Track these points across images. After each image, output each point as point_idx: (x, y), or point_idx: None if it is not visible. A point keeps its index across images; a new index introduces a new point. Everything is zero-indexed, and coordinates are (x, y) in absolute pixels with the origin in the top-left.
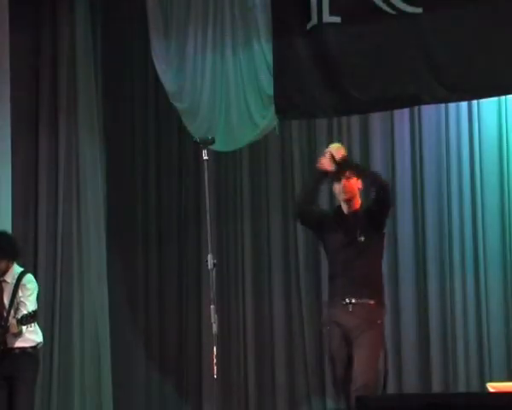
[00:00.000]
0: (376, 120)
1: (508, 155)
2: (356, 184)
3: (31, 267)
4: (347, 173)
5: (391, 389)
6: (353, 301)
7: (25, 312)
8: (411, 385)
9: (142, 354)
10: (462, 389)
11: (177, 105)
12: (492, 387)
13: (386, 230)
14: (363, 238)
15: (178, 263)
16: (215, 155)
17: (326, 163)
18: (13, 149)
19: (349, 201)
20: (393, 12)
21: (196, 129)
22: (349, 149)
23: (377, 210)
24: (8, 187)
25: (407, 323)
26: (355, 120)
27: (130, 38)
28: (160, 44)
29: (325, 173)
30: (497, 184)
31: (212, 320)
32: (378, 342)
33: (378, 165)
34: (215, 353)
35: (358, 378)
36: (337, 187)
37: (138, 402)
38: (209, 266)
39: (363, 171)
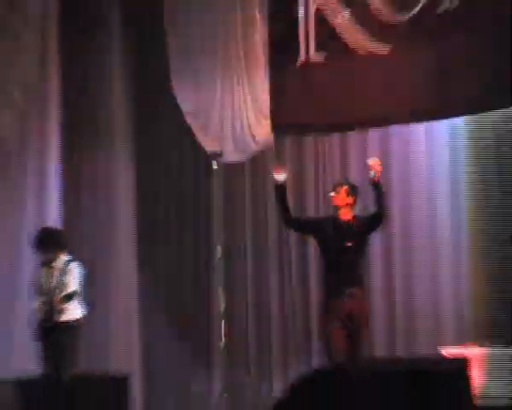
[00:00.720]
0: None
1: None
2: (344, 198)
3: (76, 256)
4: (338, 188)
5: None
6: (348, 290)
7: (68, 291)
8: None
9: (162, 331)
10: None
11: (192, 122)
12: (445, 352)
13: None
14: (350, 244)
15: (194, 254)
16: (223, 165)
17: (276, 174)
18: (62, 159)
19: (338, 209)
20: (364, 53)
21: (207, 144)
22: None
23: (369, 226)
24: (57, 187)
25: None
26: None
27: (155, 66)
28: (179, 74)
29: (281, 185)
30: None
31: (221, 300)
32: (368, 314)
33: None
34: (223, 327)
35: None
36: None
37: (161, 362)
38: (218, 256)
39: (381, 198)
